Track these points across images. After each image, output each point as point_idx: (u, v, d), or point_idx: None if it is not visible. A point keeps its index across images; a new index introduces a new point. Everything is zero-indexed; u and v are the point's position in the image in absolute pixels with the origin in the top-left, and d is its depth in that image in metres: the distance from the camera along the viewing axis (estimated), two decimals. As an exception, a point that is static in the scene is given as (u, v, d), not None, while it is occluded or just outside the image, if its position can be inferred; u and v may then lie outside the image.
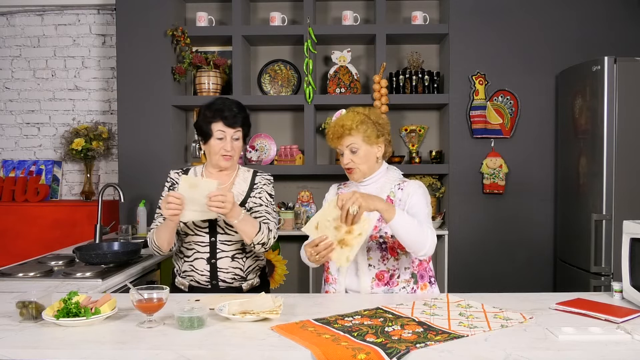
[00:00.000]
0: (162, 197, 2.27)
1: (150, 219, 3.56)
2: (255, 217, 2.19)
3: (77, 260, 2.53)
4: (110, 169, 4.21)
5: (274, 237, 2.19)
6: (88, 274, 2.30)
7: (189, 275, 2.23)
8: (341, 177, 2.70)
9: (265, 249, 2.17)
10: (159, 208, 2.26)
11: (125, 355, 1.40)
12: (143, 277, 2.64)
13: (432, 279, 2.11)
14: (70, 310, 1.57)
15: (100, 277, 2.27)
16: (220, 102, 2.18)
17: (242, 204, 2.20)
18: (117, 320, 1.65)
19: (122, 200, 3.19)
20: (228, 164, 2.20)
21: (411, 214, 1.98)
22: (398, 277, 2.01)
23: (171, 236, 2.11)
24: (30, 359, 1.40)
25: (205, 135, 2.18)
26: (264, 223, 2.17)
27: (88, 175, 4.10)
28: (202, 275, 2.20)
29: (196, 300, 1.88)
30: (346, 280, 2.06)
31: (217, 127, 2.14)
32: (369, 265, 2.02)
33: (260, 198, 2.24)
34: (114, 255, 2.51)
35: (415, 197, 2.04)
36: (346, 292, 2.08)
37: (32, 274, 2.31)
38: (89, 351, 1.40)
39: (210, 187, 1.97)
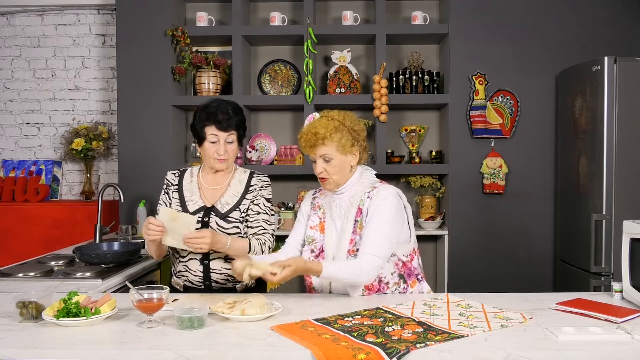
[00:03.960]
0: (159, 203, 2.28)
1: (150, 219, 3.55)
2: (252, 227, 2.21)
3: (77, 260, 2.53)
4: (110, 169, 4.21)
5: (270, 246, 2.21)
6: (88, 274, 2.30)
7: (183, 275, 2.23)
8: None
9: None
10: (157, 213, 2.26)
11: (125, 355, 1.40)
12: (143, 277, 2.64)
13: (419, 276, 2.08)
14: (70, 310, 1.57)
15: (100, 277, 2.27)
16: (215, 104, 2.16)
17: (237, 205, 2.20)
18: (117, 320, 1.65)
19: (122, 200, 3.19)
20: (223, 167, 2.20)
21: (369, 232, 1.93)
22: (387, 283, 1.99)
23: (158, 249, 2.15)
24: (30, 359, 1.40)
25: (200, 138, 2.18)
26: (257, 237, 2.18)
27: (88, 175, 4.10)
28: (195, 275, 2.20)
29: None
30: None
31: (210, 131, 2.14)
32: None
33: (257, 205, 2.23)
34: (114, 255, 2.51)
35: (380, 210, 1.94)
36: None
37: (32, 274, 2.31)
38: (89, 351, 1.40)
39: (189, 222, 1.99)
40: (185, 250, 2.15)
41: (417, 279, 2.07)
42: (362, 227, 1.97)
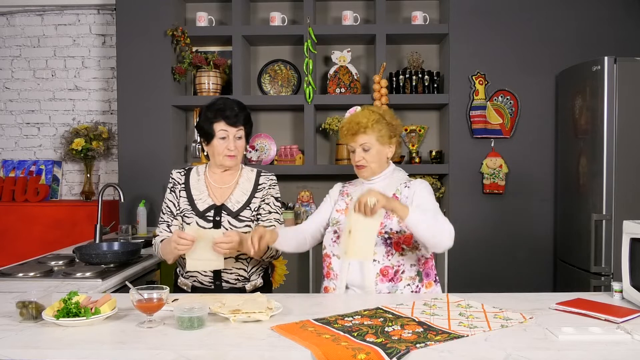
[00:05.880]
0: (164, 202, 2.27)
1: (150, 219, 3.56)
2: (264, 227, 2.20)
3: (77, 260, 2.52)
4: (110, 169, 4.21)
5: None
6: (88, 274, 2.30)
7: (192, 276, 2.22)
8: (341, 177, 2.70)
9: (274, 259, 2.27)
10: (163, 213, 2.26)
11: (125, 355, 1.40)
12: (143, 277, 2.64)
13: (437, 277, 2.13)
14: (70, 310, 1.57)
15: (100, 277, 2.27)
16: (221, 102, 2.18)
17: (248, 204, 2.20)
18: (117, 320, 1.65)
19: (122, 200, 3.19)
20: (232, 163, 2.20)
21: (422, 204, 2.02)
22: (402, 272, 2.01)
23: (177, 257, 2.16)
24: (30, 359, 1.40)
25: (208, 136, 2.17)
26: None
27: (88, 175, 4.10)
28: (205, 275, 2.19)
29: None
30: (350, 276, 2.05)
31: (220, 127, 2.14)
32: (374, 260, 2.01)
33: (268, 204, 2.25)
34: (114, 255, 2.51)
35: (421, 192, 2.06)
36: (347, 288, 2.07)
37: (32, 274, 2.31)
38: (89, 351, 1.40)
39: (217, 236, 2.00)
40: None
41: (434, 281, 2.11)
42: None
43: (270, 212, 2.24)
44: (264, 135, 3.99)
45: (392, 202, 1.85)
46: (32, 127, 4.26)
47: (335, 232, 2.11)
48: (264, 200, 2.24)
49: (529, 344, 1.43)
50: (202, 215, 2.16)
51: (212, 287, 2.19)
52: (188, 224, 2.17)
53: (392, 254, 2.01)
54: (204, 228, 2.14)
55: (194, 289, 2.23)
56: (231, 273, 2.19)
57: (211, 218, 2.16)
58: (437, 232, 1.87)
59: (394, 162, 3.77)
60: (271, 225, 2.22)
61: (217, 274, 2.18)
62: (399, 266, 2.01)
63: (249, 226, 2.19)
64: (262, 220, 2.23)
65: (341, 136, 2.13)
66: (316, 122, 3.83)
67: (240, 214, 2.18)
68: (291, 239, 2.13)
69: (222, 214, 2.16)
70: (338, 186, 2.28)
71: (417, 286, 2.04)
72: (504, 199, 3.69)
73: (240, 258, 2.19)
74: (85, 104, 4.22)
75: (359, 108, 2.16)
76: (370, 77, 3.90)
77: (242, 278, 2.20)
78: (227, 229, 2.15)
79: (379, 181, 2.12)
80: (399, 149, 2.19)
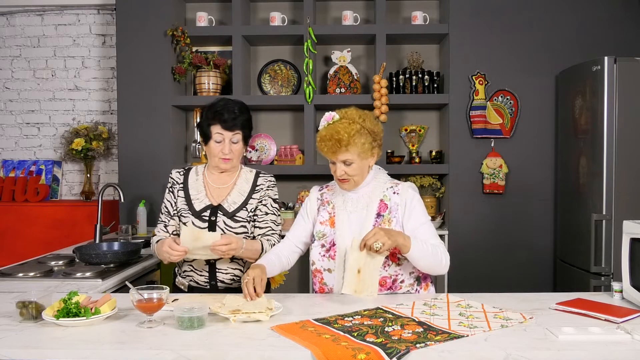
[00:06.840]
0: (163, 202, 2.28)
1: (150, 219, 3.56)
2: (261, 228, 2.21)
3: (77, 260, 2.52)
4: (110, 169, 4.21)
5: None
6: (88, 274, 2.30)
7: (188, 275, 2.23)
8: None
9: None
10: (161, 213, 2.26)
11: (125, 355, 1.40)
12: (143, 277, 2.64)
13: (431, 278, 2.12)
14: (70, 310, 1.57)
15: (100, 277, 2.27)
16: (222, 103, 2.16)
17: (244, 204, 2.20)
18: (117, 320, 1.65)
19: (122, 200, 3.19)
20: (227, 166, 2.19)
21: (418, 229, 1.96)
22: (402, 281, 1.99)
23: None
24: (30, 359, 1.40)
25: (205, 137, 2.18)
26: (267, 238, 2.19)
27: (88, 175, 4.10)
28: (201, 275, 2.20)
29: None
30: (346, 289, 2.02)
31: (216, 130, 2.13)
32: None
33: (265, 205, 2.23)
34: (114, 255, 2.51)
35: (415, 206, 1.99)
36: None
37: (32, 274, 2.31)
38: (89, 351, 1.40)
39: (214, 238, 1.99)
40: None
41: (430, 282, 2.10)
42: (390, 221, 1.97)
43: (267, 214, 2.23)
44: (264, 135, 3.99)
45: (397, 241, 1.81)
46: (32, 127, 4.26)
47: (323, 245, 2.02)
48: (261, 202, 2.23)
49: (529, 344, 1.43)
50: (198, 215, 2.16)
51: (208, 287, 2.20)
52: (185, 224, 2.17)
53: (388, 264, 1.96)
54: (200, 228, 2.14)
55: (191, 289, 2.24)
56: (226, 273, 2.19)
57: (207, 218, 2.16)
58: (435, 264, 1.92)
59: (394, 163, 3.79)
60: (267, 227, 2.21)
61: (212, 274, 2.18)
62: (396, 275, 1.98)
63: (245, 227, 2.19)
64: (258, 222, 2.22)
65: (319, 149, 1.95)
66: (316, 122, 3.82)
67: (236, 214, 2.17)
68: (274, 266, 2.01)
69: (218, 214, 2.16)
70: (315, 193, 2.13)
71: (417, 289, 2.04)
72: (504, 199, 3.69)
73: (236, 258, 2.18)
74: (85, 104, 4.22)
75: (337, 116, 1.93)
76: (370, 77, 3.90)
77: (238, 279, 2.20)
78: (222, 229, 2.15)
79: (362, 189, 2.02)
80: (380, 151, 2.01)
